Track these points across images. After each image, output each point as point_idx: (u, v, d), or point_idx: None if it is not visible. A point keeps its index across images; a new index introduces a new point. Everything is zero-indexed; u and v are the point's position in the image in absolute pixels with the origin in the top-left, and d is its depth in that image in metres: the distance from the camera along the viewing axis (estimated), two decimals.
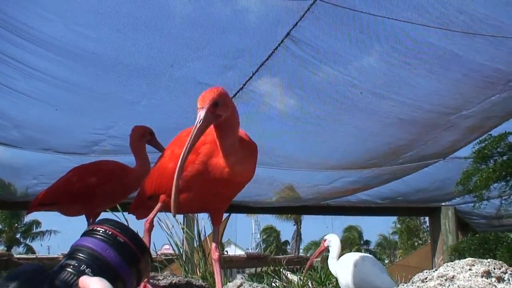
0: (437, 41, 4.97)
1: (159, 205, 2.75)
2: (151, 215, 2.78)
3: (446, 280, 2.09)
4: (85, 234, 0.86)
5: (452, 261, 2.22)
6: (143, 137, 3.86)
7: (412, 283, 2.18)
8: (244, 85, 5.49)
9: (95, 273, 0.76)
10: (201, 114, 2.23)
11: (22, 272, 0.74)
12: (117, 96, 5.90)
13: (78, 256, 0.81)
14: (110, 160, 4.43)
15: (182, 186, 2.56)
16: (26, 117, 6.29)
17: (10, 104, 5.90)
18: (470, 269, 2.12)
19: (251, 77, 5.37)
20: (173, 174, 2.60)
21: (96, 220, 0.89)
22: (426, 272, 2.18)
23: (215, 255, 2.71)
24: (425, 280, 2.15)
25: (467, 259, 2.22)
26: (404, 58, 5.23)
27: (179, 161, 2.20)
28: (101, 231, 0.84)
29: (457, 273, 2.06)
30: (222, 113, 2.29)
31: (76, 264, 0.79)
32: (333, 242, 4.75)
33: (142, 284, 2.53)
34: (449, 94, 5.75)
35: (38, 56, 5.03)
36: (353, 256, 4.85)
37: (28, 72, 5.20)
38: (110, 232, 0.84)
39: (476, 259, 2.23)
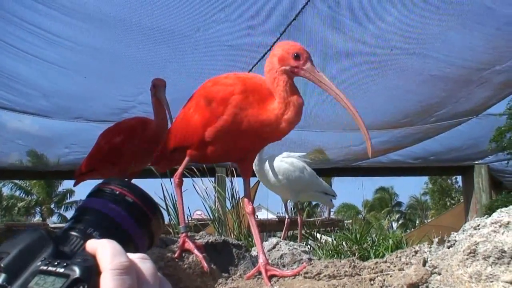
0: None
1: (186, 159, 2.67)
2: (179, 170, 2.71)
3: (500, 226, 1.93)
4: (90, 195, 0.80)
5: None
6: (151, 91, 3.83)
7: (463, 231, 2.06)
8: (272, 46, 5.40)
9: (103, 236, 0.70)
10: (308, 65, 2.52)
11: (21, 239, 0.69)
12: (144, 61, 5.88)
13: (84, 219, 0.75)
14: (132, 117, 4.46)
15: (208, 138, 2.51)
16: (55, 86, 6.32)
17: (38, 73, 5.92)
18: None
19: (278, 38, 5.28)
20: (199, 127, 2.53)
21: (102, 181, 0.82)
22: (478, 219, 2.05)
23: (248, 208, 2.61)
24: (477, 227, 2.01)
25: None
26: (436, 13, 5.09)
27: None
28: (107, 191, 0.78)
29: None
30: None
31: (82, 227, 0.73)
32: None
33: (181, 239, 2.51)
34: (483, 49, 5.60)
35: (63, 24, 5.01)
36: (295, 160, 4.83)
37: (54, 40, 5.19)
38: (117, 192, 0.77)
39: None
